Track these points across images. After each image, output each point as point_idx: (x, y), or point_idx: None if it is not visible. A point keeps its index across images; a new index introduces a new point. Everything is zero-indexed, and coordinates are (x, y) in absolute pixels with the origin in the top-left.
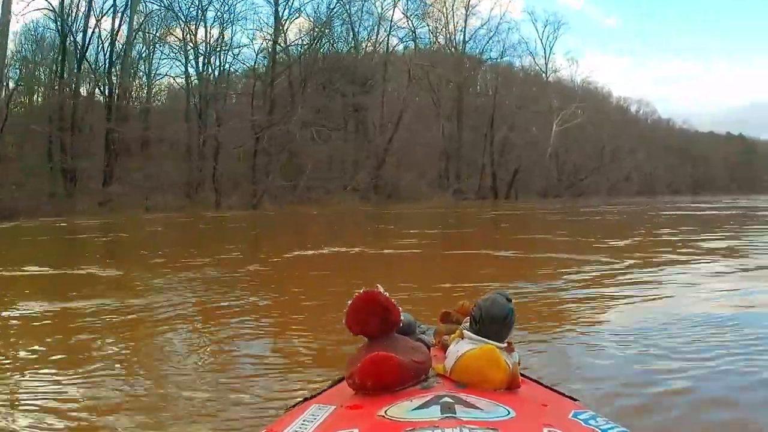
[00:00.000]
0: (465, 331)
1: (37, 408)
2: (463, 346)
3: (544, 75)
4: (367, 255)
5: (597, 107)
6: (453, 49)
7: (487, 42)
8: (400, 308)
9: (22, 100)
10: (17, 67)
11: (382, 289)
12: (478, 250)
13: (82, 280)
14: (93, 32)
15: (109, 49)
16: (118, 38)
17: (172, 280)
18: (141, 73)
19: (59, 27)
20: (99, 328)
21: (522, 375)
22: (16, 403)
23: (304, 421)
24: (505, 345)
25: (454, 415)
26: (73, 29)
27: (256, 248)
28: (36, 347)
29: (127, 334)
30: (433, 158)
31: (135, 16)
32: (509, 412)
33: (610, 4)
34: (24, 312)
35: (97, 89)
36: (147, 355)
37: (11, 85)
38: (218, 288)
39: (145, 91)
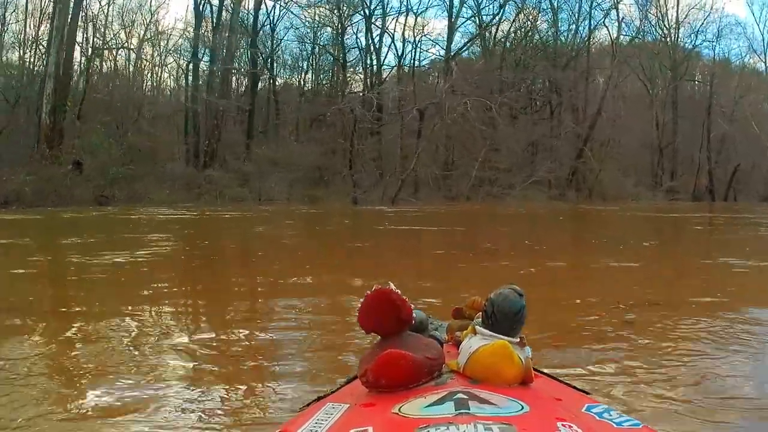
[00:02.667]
0: (477, 327)
1: None
2: (476, 342)
3: (763, 63)
4: None
5: None
6: (665, 28)
7: (702, 23)
8: (412, 305)
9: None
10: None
11: (394, 287)
12: None
13: None
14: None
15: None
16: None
17: None
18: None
19: None
20: None
21: (535, 370)
22: None
23: (318, 419)
24: (518, 340)
25: (468, 411)
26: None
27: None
28: None
29: None
30: (643, 152)
31: None
32: (523, 407)
33: None
34: None
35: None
36: None
37: None
38: None
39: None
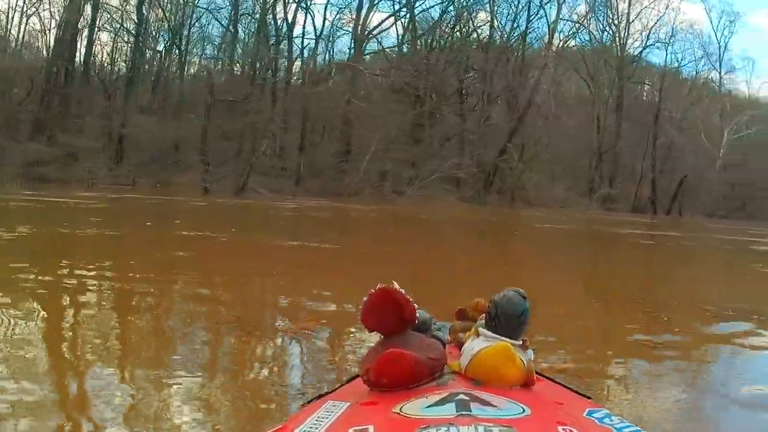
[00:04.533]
0: (480, 329)
1: None
2: (479, 344)
3: (716, 73)
4: None
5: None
6: (614, 25)
7: (656, 22)
8: (416, 305)
9: None
10: None
11: (398, 286)
12: None
13: None
14: None
15: None
16: None
17: None
18: None
19: None
20: None
21: (537, 373)
22: None
23: (318, 417)
24: (520, 342)
25: (469, 413)
26: None
27: None
28: None
29: None
30: (581, 156)
31: None
32: (524, 410)
33: None
34: None
35: None
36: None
37: None
38: None
39: None
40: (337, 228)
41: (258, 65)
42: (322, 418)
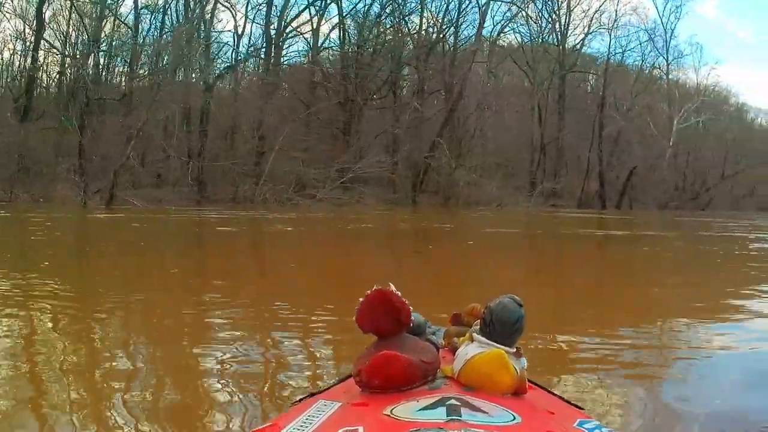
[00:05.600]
0: (474, 335)
1: None
2: (472, 349)
3: (663, 59)
4: None
5: (718, 109)
6: (554, 13)
7: (597, 9)
8: (411, 308)
9: None
10: None
11: (394, 288)
12: None
13: None
14: None
15: None
16: None
17: None
18: None
19: None
20: None
21: (529, 381)
22: None
23: (309, 416)
24: (514, 350)
25: (459, 418)
26: None
27: None
28: None
29: None
30: (521, 150)
31: None
32: (515, 418)
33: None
34: None
35: None
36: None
37: None
38: None
39: None
40: (210, 250)
41: (161, 64)
42: (313, 417)
